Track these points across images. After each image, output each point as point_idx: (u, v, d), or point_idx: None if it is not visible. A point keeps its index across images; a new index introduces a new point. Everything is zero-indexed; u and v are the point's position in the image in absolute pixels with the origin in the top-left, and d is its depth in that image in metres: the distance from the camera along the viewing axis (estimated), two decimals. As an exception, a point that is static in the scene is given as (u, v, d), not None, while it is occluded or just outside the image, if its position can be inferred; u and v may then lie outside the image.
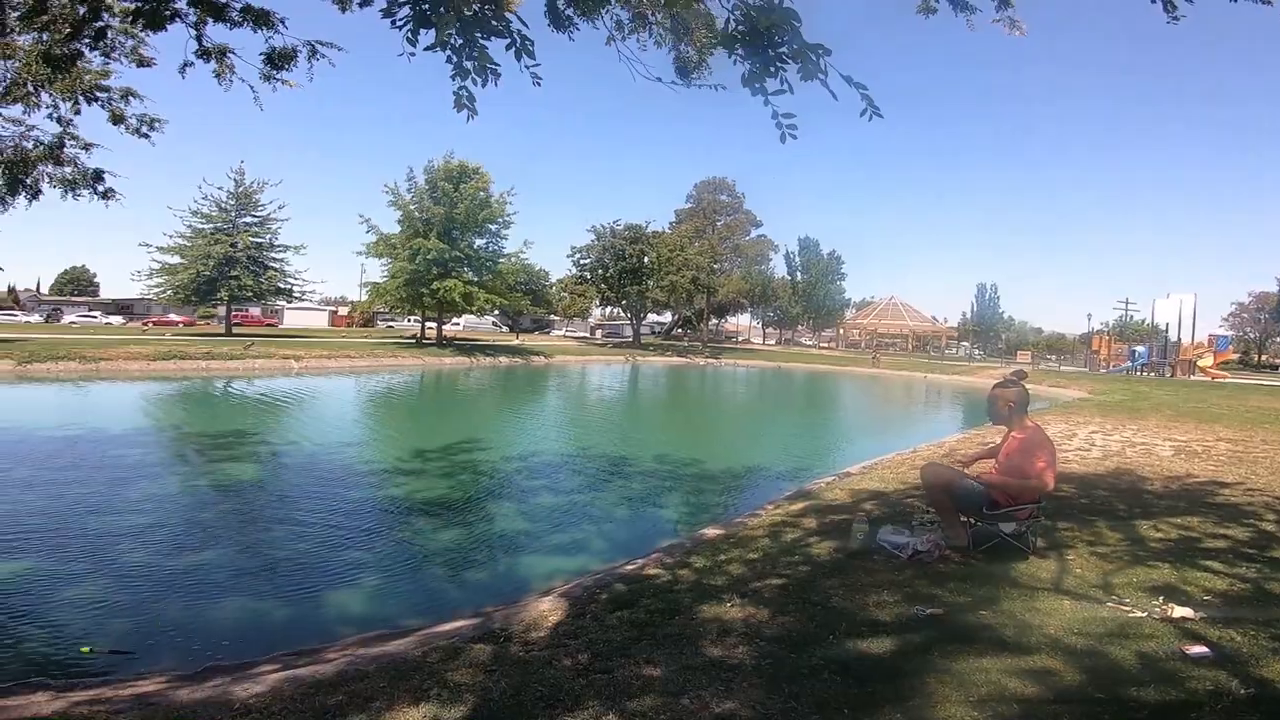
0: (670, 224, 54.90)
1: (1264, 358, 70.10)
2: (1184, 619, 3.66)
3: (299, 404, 18.94)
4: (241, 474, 9.16)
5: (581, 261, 49.44)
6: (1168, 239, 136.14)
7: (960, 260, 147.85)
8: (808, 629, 3.60)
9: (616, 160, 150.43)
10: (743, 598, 4.01)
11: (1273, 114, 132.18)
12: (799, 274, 64.59)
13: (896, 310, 66.82)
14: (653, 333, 64.21)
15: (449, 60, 3.08)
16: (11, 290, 55.47)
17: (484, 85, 3.78)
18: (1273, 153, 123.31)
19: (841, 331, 72.14)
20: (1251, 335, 72.10)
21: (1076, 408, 19.44)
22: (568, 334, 62.45)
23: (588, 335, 64.21)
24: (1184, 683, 2.97)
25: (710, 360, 50.59)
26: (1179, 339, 45.69)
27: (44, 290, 63.63)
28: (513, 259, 40.74)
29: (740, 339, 75.73)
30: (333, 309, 64.52)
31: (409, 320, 51.47)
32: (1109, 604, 3.91)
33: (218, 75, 5.23)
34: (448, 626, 4.11)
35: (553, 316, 62.89)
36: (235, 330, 38.43)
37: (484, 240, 39.02)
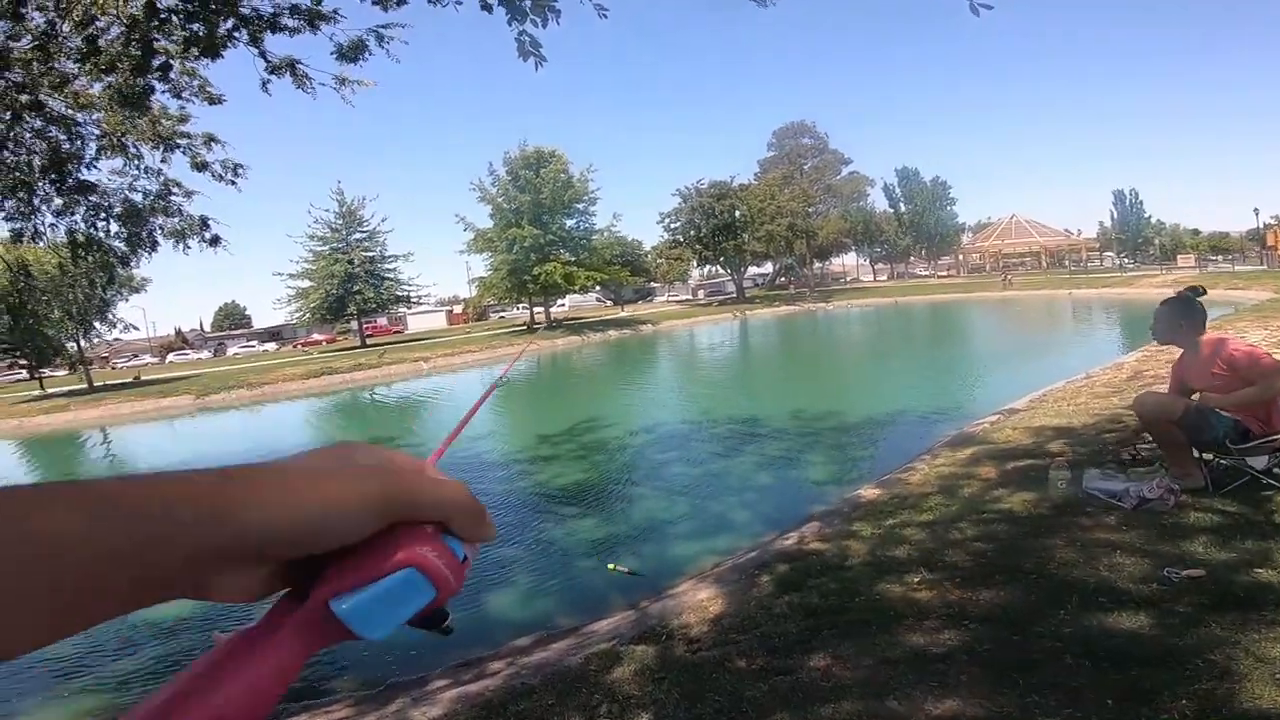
0: (755, 175, 52.74)
1: None
2: None
3: (434, 402, 20.01)
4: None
5: (672, 225, 48.84)
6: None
7: (1081, 170, 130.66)
8: (1027, 603, 2.98)
9: (689, 122, 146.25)
10: (931, 570, 3.43)
11: None
12: (902, 205, 59.92)
13: (1021, 228, 60.30)
14: (756, 285, 62.37)
15: (502, 3, 2.75)
16: (179, 332, 63.12)
17: (544, 25, 3.33)
18: None
19: (960, 257, 66.37)
20: None
21: (1271, 310, 16.41)
22: (670, 299, 62.07)
23: (690, 297, 63.53)
24: None
25: (821, 304, 48.44)
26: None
27: (207, 327, 71.90)
28: (605, 234, 41.00)
29: (848, 279, 71.93)
30: (448, 308, 68.00)
31: (518, 308, 53.27)
32: None
33: (299, 87, 5.15)
34: (604, 625, 3.85)
35: (652, 284, 62.69)
36: (368, 341, 41.38)
37: (573, 220, 39.52)
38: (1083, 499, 4.09)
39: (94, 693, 4.32)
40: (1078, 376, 10.83)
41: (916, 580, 3.33)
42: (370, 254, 39.56)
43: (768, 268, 63.30)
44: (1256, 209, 50.14)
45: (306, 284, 38.14)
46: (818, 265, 60.73)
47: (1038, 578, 3.13)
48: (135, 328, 34.41)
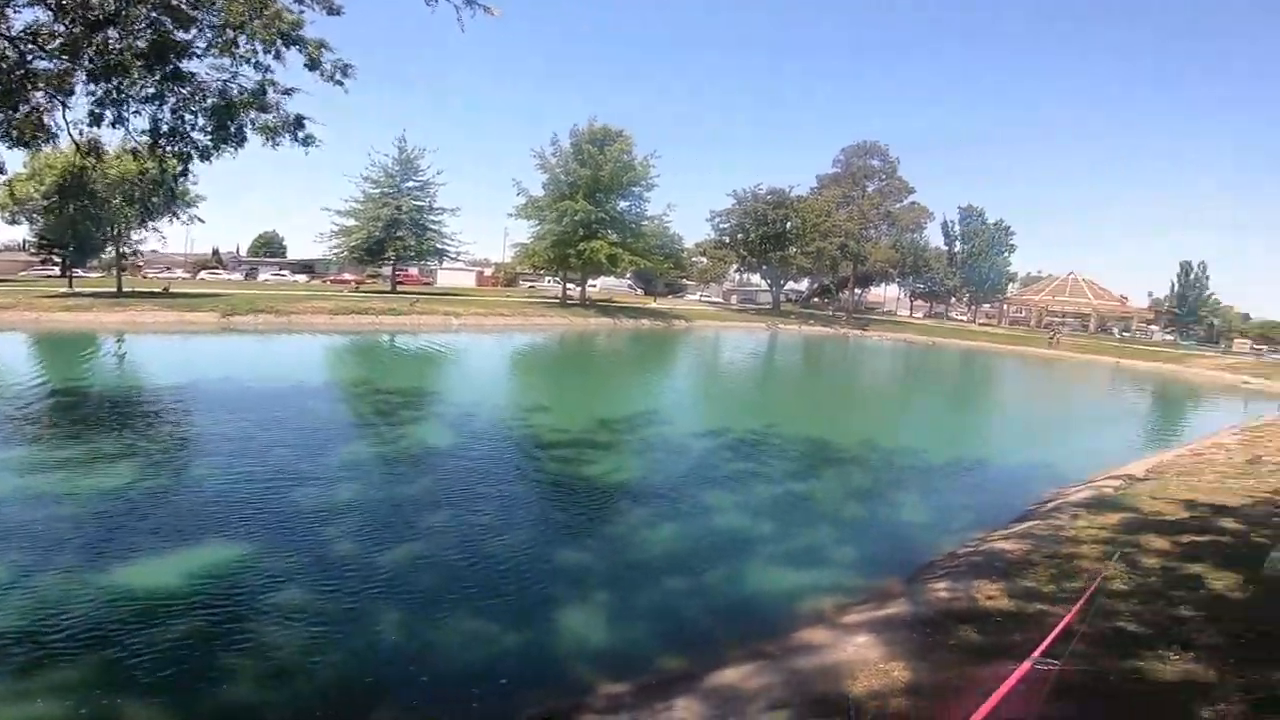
0: (812, 189, 51.63)
1: None
2: None
3: (451, 360, 19.45)
4: (435, 440, 8.82)
5: (721, 225, 47.99)
6: None
7: (1145, 235, 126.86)
8: None
9: (756, 125, 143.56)
10: (1185, 648, 2.76)
11: None
12: (958, 244, 58.32)
13: (1078, 286, 58.63)
14: (790, 300, 61.29)
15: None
16: (215, 252, 63.11)
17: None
18: None
19: (1006, 308, 64.77)
20: None
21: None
22: (702, 299, 61.17)
23: (720, 301, 62.66)
24: None
25: (856, 331, 47.48)
26: None
27: (243, 253, 71.91)
28: (655, 221, 40.43)
29: (884, 310, 70.66)
30: (479, 269, 67.58)
31: (549, 281, 52.71)
32: None
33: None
34: (730, 676, 3.21)
35: (685, 280, 61.83)
36: (398, 288, 40.98)
37: (627, 203, 38.88)
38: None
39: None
40: (1178, 449, 10.08)
41: (1178, 657, 2.66)
42: (419, 203, 39.10)
43: (804, 284, 62.13)
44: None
45: (352, 223, 37.74)
46: (856, 291, 59.51)
47: None
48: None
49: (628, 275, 46.60)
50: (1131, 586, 3.64)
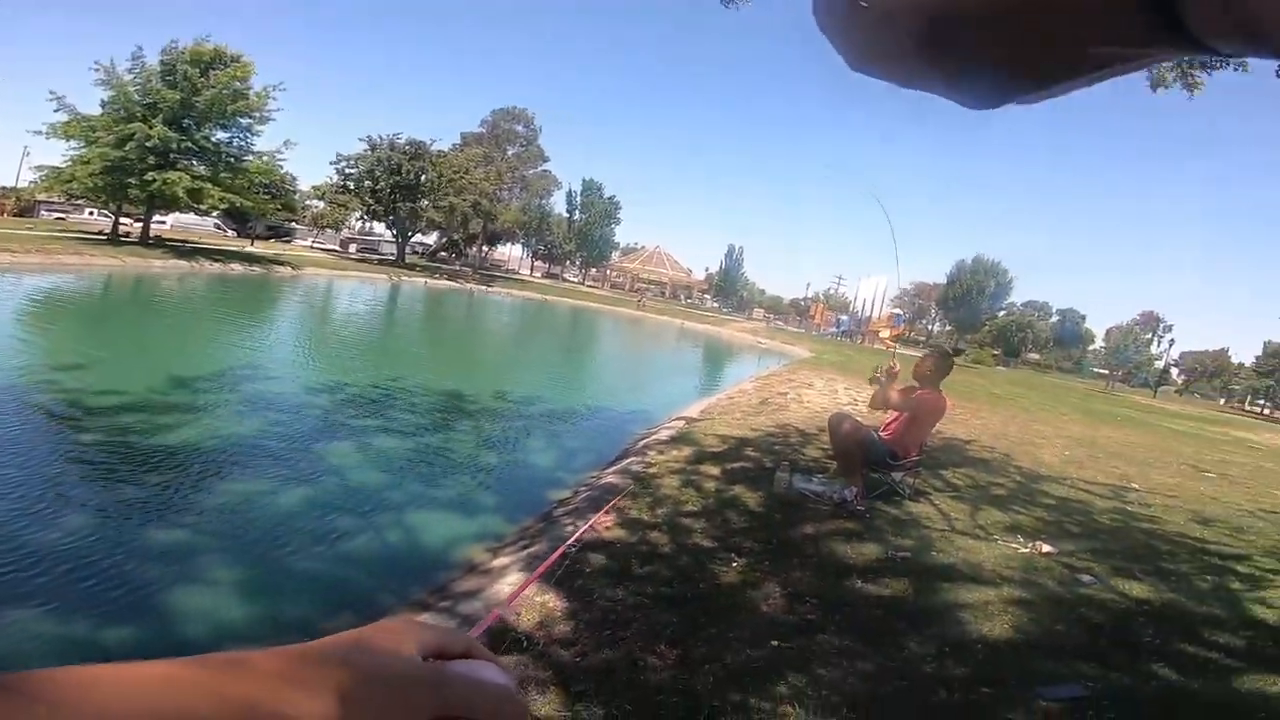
0: (454, 145, 51.12)
1: (913, 334, 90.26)
2: (1050, 553, 4.57)
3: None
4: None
5: (348, 170, 44.18)
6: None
7: (712, 218, 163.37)
8: (825, 580, 3.70)
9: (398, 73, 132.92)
10: (740, 555, 3.96)
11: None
12: (577, 213, 64.94)
13: (660, 259, 71.22)
14: (416, 253, 59.32)
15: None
16: None
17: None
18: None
19: (609, 273, 74.78)
20: (907, 316, 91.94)
21: (815, 365, 22.89)
22: (315, 245, 54.45)
23: (337, 249, 57.00)
24: (1097, 602, 3.72)
25: (481, 287, 48.87)
26: (871, 313, 56.42)
27: None
28: (265, 158, 34.69)
29: (508, 268, 74.11)
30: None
31: (92, 214, 40.50)
32: (999, 541, 4.72)
33: None
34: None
35: (294, 224, 54.22)
36: None
37: (228, 134, 33.28)
38: (796, 497, 5.20)
39: None
40: (718, 394, 13.42)
41: (736, 564, 3.79)
42: None
43: (432, 238, 61.02)
44: (809, 283, 68.97)
45: None
46: (485, 249, 61.03)
47: (817, 559, 3.91)
48: None
49: (215, 214, 39.20)
50: (698, 507, 4.95)
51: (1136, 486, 7.69)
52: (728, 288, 74.49)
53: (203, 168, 32.02)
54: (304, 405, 8.19)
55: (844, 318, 57.56)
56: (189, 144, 30.65)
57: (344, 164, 45.87)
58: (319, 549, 4.48)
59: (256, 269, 32.97)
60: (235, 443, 6.39)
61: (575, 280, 74.57)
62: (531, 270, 75.42)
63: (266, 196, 36.83)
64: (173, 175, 29.42)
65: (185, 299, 20.86)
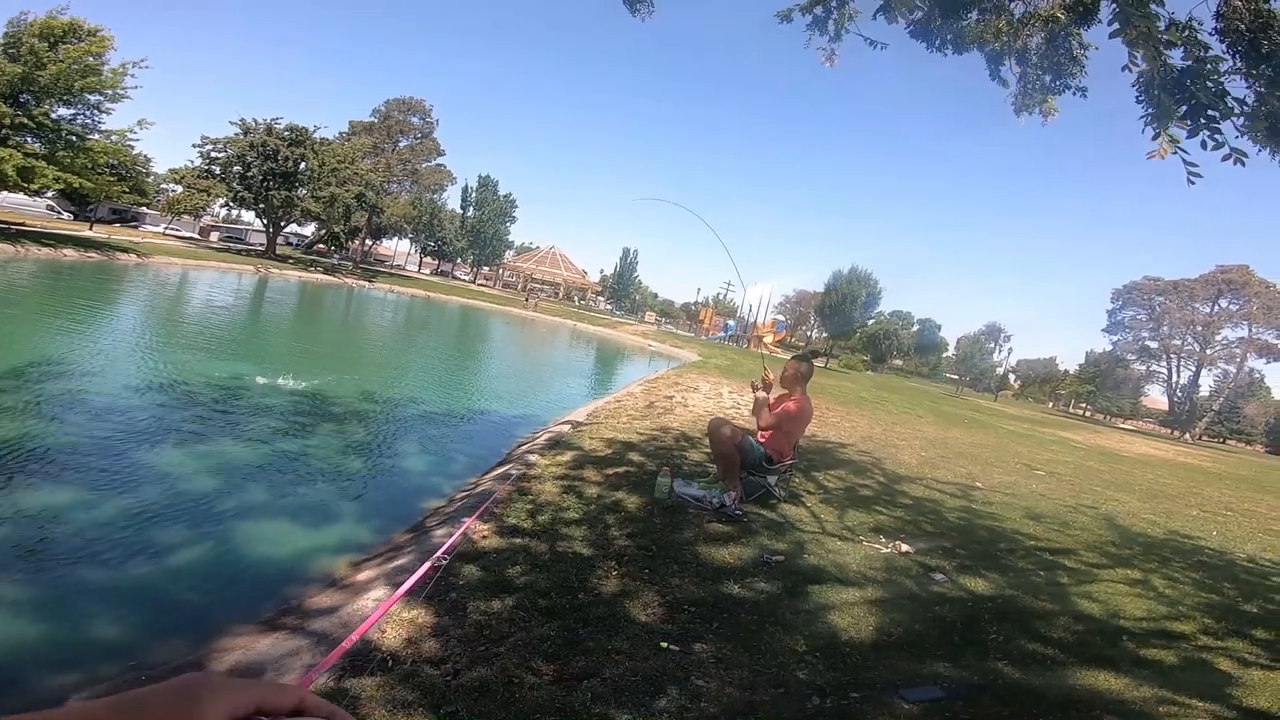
0: (341, 134, 47.87)
1: (794, 339, 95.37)
2: (908, 552, 4.86)
3: None
4: None
5: (214, 154, 40.07)
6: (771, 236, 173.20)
7: (613, 220, 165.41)
8: (703, 586, 3.69)
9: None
10: (620, 563, 3.89)
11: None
12: (471, 209, 62.89)
13: (556, 259, 70.50)
14: (290, 244, 54.94)
15: None
16: None
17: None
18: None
19: (502, 272, 73.03)
20: (789, 322, 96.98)
21: (701, 368, 23.51)
22: (168, 231, 48.93)
23: (197, 236, 51.66)
24: (949, 599, 3.98)
25: (362, 282, 46.13)
26: (756, 319, 59.03)
27: None
28: (114, 137, 31.09)
29: (394, 264, 70.47)
30: None
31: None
32: (864, 542, 4.96)
33: None
34: (266, 645, 2.95)
35: (144, 209, 48.53)
36: None
37: (73, 111, 29.93)
38: (677, 502, 5.21)
39: None
40: (607, 398, 13.37)
41: (616, 573, 3.69)
42: None
43: (310, 229, 56.88)
44: (699, 288, 71.03)
45: None
46: (368, 243, 57.62)
47: (696, 565, 3.90)
48: None
49: (49, 194, 34.75)
50: (580, 515, 4.82)
51: (980, 485, 8.44)
52: (621, 290, 75.11)
53: (38, 145, 28.79)
54: (132, 408, 7.21)
55: (731, 323, 59.72)
56: (24, 119, 27.56)
57: (210, 148, 42.07)
58: (141, 564, 3.93)
59: (95, 254, 29.30)
60: (36, 447, 5.50)
61: (466, 279, 72.24)
62: (420, 267, 72.20)
63: (113, 178, 32.81)
64: (4, 152, 26.34)
65: (4, 285, 17.95)
